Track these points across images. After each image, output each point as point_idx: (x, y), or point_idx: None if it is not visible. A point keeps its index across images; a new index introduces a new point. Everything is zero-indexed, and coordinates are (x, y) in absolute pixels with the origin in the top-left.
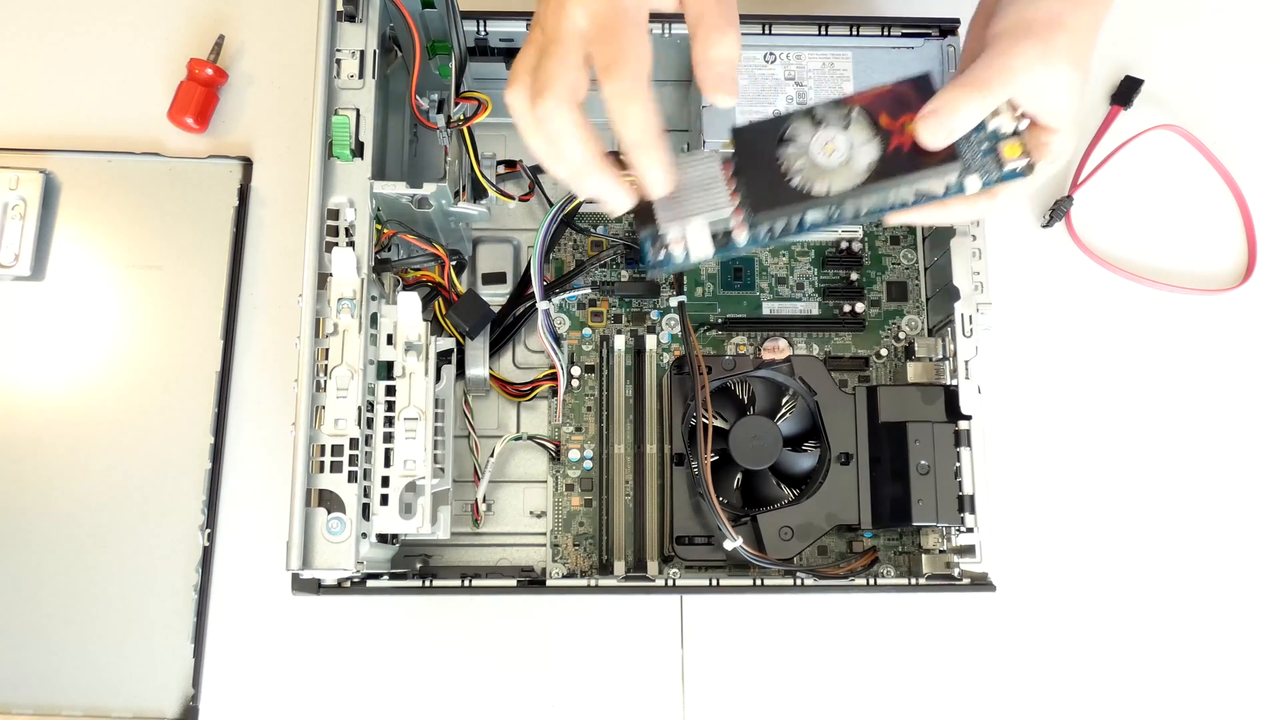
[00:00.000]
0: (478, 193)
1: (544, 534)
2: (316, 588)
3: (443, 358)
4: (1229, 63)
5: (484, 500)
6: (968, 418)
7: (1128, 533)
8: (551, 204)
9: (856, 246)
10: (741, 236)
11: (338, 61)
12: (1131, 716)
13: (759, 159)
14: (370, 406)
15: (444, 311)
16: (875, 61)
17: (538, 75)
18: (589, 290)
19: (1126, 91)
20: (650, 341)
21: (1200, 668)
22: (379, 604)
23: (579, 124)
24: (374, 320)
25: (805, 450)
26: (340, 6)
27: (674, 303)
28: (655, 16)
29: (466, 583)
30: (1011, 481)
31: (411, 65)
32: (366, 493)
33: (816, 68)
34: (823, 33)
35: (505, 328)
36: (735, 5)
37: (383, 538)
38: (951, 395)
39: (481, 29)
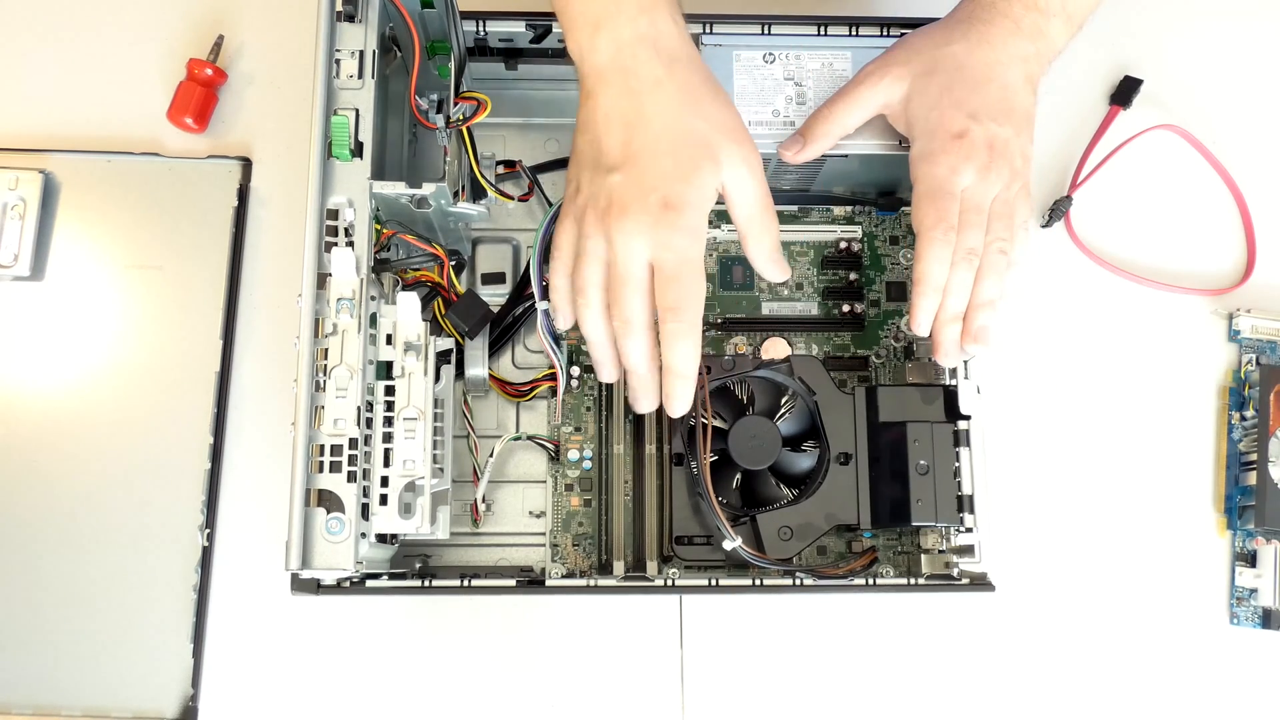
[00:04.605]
0: (477, 193)
1: (543, 534)
2: (316, 588)
3: (442, 358)
4: (1229, 63)
5: (483, 500)
6: (967, 418)
7: (1127, 532)
8: (551, 204)
9: (856, 246)
10: None
11: (337, 61)
12: (1130, 716)
13: None
14: (370, 406)
15: (443, 311)
16: None
17: (589, 289)
18: None
19: (1126, 91)
20: None
21: (1199, 667)
22: (378, 604)
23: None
24: (373, 320)
25: (804, 450)
26: (340, 6)
27: None
28: None
29: (466, 583)
30: (1011, 481)
31: (411, 65)
32: (366, 493)
33: (816, 68)
34: (822, 33)
35: (505, 328)
36: (770, 200)
37: (382, 538)
38: (951, 395)
39: (481, 29)
